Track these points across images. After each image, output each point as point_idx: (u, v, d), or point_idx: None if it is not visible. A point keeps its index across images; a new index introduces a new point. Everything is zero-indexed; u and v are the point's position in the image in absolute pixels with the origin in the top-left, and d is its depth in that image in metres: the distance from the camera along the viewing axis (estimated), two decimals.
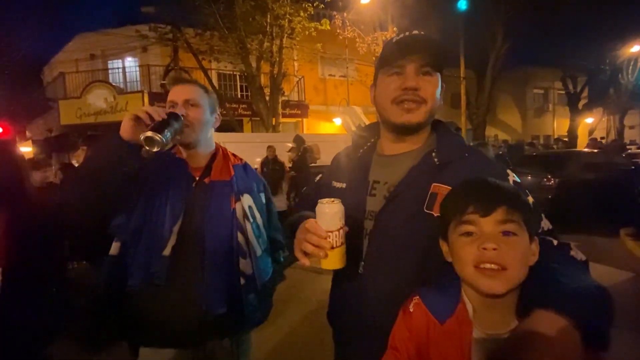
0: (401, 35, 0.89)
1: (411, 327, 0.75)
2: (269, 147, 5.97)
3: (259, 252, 1.17)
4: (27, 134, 16.33)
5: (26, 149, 15.91)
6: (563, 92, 18.04)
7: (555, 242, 0.77)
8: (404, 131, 0.90)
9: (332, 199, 0.79)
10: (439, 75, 0.88)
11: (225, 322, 1.10)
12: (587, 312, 0.57)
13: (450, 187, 0.79)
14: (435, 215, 0.80)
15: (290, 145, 6.39)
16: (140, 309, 1.09)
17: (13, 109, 14.19)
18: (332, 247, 0.77)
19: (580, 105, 16.74)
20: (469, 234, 0.67)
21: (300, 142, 6.07)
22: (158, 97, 10.87)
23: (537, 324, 0.57)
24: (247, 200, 1.19)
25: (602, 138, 15.44)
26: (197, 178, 1.18)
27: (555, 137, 17.59)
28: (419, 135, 0.92)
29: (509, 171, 0.86)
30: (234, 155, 1.30)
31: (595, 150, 8.19)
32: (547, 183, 6.28)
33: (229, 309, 1.09)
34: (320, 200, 0.80)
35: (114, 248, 1.11)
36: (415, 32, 0.88)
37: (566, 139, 14.83)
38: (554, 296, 0.60)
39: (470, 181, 0.72)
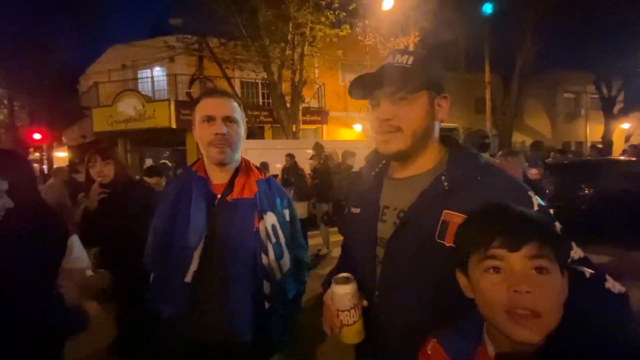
0: (377, 68, 0.88)
1: None
2: (287, 155, 6.04)
3: (278, 275, 1.11)
4: (64, 140, 17.36)
5: (62, 154, 16.89)
6: (596, 96, 17.16)
7: (587, 274, 0.70)
8: (393, 159, 0.89)
9: (346, 276, 0.82)
10: (423, 93, 0.83)
11: (251, 348, 1.05)
12: None
13: (462, 215, 0.74)
14: (448, 245, 0.75)
15: (310, 152, 6.44)
16: (164, 335, 1.07)
17: (51, 116, 15.13)
18: (344, 325, 0.80)
19: (615, 109, 15.85)
20: (496, 269, 0.59)
21: (321, 150, 6.11)
22: (184, 105, 11.25)
23: None
24: (270, 218, 1.12)
25: None
26: (219, 196, 1.12)
27: (589, 143, 16.68)
28: (425, 156, 0.86)
29: (531, 193, 0.78)
30: (257, 168, 1.23)
31: (634, 159, 7.69)
32: (582, 193, 5.94)
33: (255, 334, 1.04)
34: (334, 278, 0.83)
35: (151, 278, 1.11)
36: (390, 58, 0.86)
37: (600, 146, 14.05)
38: (580, 349, 0.54)
39: (494, 208, 0.64)
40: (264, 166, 6.03)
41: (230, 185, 1.14)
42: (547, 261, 0.57)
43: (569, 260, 0.72)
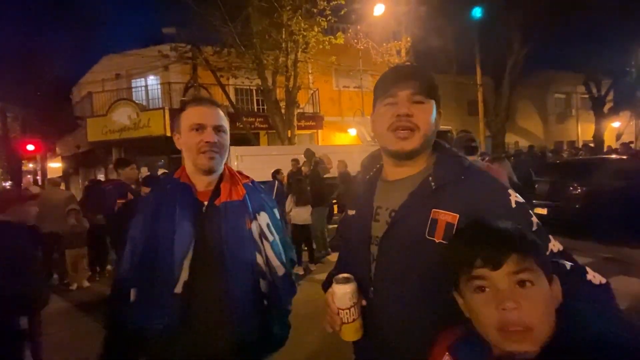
0: (394, 66, 0.93)
1: None
2: (293, 160, 6.09)
3: (281, 271, 1.11)
4: (57, 150, 17.22)
5: (56, 165, 16.74)
6: (586, 96, 17.44)
7: (568, 266, 0.71)
8: (400, 157, 0.91)
9: (347, 276, 0.85)
10: (433, 102, 0.89)
11: (256, 345, 1.06)
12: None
13: (448, 212, 0.79)
14: (437, 241, 0.80)
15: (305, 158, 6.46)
16: (157, 348, 1.02)
17: (45, 127, 15.03)
18: (343, 323, 0.84)
19: (605, 109, 16.11)
20: (482, 289, 0.61)
21: (311, 156, 6.13)
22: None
23: None
24: (264, 218, 1.13)
25: (631, 142, 14.77)
26: (206, 203, 1.09)
27: (582, 143, 16.87)
28: (418, 159, 0.91)
29: (511, 191, 0.83)
30: (240, 173, 1.22)
31: (625, 157, 7.82)
32: (575, 192, 6.03)
33: (258, 333, 1.05)
34: (335, 278, 0.86)
35: (132, 294, 1.04)
36: (407, 63, 0.91)
37: (592, 145, 14.24)
38: (576, 346, 0.55)
39: (472, 227, 0.66)
40: (277, 172, 5.84)
41: (217, 190, 1.12)
42: (529, 273, 0.58)
43: (548, 253, 0.74)
